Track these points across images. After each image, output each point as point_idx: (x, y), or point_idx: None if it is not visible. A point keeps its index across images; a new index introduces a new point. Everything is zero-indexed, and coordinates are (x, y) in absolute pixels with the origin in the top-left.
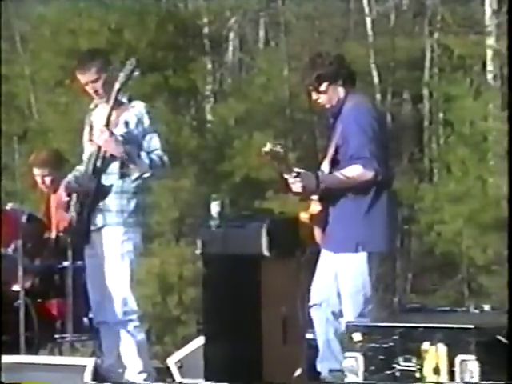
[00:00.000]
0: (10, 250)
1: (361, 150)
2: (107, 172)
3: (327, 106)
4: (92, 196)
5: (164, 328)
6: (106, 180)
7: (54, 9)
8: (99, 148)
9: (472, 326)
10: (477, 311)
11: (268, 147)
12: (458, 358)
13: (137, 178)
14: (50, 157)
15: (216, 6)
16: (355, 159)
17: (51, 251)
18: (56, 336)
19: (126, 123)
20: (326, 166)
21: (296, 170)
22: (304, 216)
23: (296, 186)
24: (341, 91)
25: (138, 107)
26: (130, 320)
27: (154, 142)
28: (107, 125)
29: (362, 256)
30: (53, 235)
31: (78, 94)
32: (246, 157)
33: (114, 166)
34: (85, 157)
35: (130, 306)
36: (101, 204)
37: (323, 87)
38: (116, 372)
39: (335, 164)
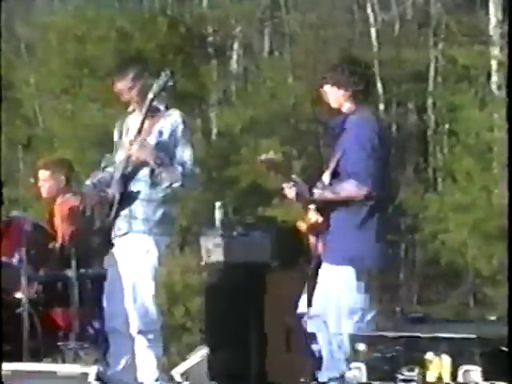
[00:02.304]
0: (14, 259)
1: (357, 166)
2: (136, 179)
3: (331, 104)
4: (118, 201)
5: (170, 338)
6: (134, 186)
7: (60, 16)
8: (129, 155)
9: (476, 336)
10: (481, 321)
11: (263, 156)
12: (462, 369)
13: (167, 187)
14: (57, 162)
15: (221, 15)
16: (351, 174)
17: (55, 260)
18: (59, 344)
19: (160, 133)
20: (326, 177)
21: (294, 178)
22: (301, 225)
23: (290, 192)
24: (342, 99)
25: (175, 116)
26: (151, 331)
27: (185, 154)
28: (139, 132)
29: (351, 270)
30: (57, 244)
31: (84, 101)
32: (252, 163)
33: (144, 173)
34: (116, 158)
35: (152, 316)
36: (127, 210)
37: (326, 88)
38: (121, 380)
39: (335, 176)
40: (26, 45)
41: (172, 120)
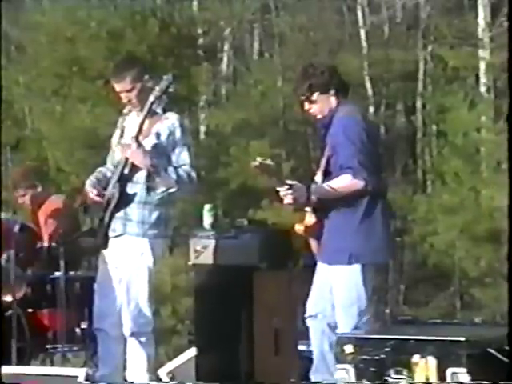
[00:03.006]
0: (2, 260)
1: (349, 160)
2: (133, 181)
3: (319, 116)
4: (115, 202)
5: (158, 339)
6: (131, 189)
7: (50, 17)
8: (127, 157)
9: (463, 339)
10: (468, 324)
11: (258, 161)
12: (449, 371)
13: (162, 192)
14: (22, 175)
15: (211, 17)
16: (345, 169)
17: (43, 261)
18: (48, 346)
19: (158, 135)
20: (319, 178)
21: (288, 182)
22: (299, 228)
23: (287, 198)
24: (333, 101)
25: (172, 119)
26: (144, 333)
27: (182, 157)
28: (137, 136)
29: (356, 268)
30: (45, 245)
31: (73, 102)
32: (242, 165)
33: (141, 176)
34: (109, 159)
35: (145, 319)
36: (122, 212)
37: (315, 97)
38: (110, 382)
39: (327, 175)
40: (16, 45)
41: (169, 123)
